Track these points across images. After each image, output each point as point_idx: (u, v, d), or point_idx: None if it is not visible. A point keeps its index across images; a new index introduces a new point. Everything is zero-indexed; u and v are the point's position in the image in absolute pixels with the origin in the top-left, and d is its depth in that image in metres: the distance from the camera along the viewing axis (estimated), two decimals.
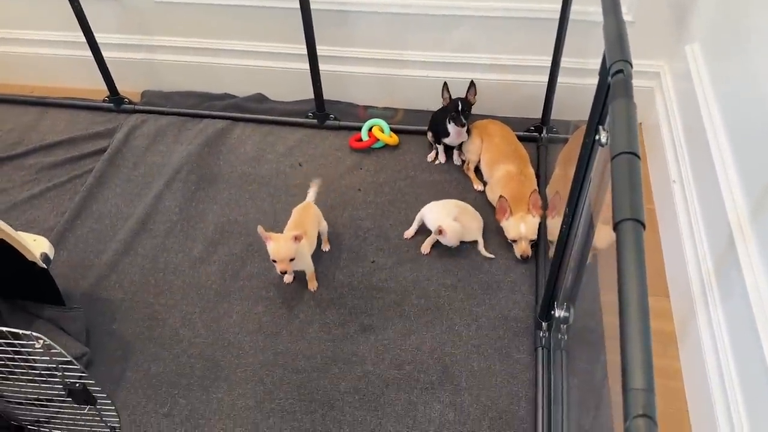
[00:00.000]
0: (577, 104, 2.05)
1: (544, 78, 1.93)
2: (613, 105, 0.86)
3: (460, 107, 1.85)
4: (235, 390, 1.52)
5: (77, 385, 1.24)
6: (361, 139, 2.11)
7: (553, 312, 1.47)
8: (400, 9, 1.99)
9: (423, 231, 1.83)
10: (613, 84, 0.89)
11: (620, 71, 0.90)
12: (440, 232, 1.72)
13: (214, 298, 1.70)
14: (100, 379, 1.51)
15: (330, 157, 2.10)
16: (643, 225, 0.72)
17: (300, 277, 1.75)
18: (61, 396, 1.31)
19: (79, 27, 2.03)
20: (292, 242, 1.57)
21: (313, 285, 1.72)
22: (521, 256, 1.73)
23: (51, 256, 1.52)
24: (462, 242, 1.79)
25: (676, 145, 1.72)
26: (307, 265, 1.69)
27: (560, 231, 1.30)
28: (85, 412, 1.35)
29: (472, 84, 1.88)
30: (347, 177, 2.03)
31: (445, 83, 1.89)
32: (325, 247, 1.81)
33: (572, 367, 1.51)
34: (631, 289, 0.66)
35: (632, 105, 0.85)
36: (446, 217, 1.75)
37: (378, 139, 2.10)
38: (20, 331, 1.12)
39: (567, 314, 1.42)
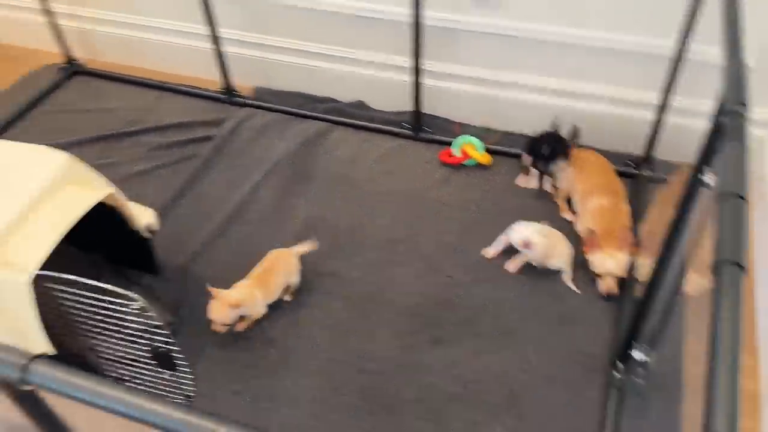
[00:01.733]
0: (683, 145, 1.98)
1: (651, 114, 1.88)
2: (725, 147, 0.84)
3: (549, 153, 1.86)
4: (303, 381, 1.57)
5: (162, 349, 1.34)
6: (452, 155, 2.13)
7: (631, 353, 1.43)
8: (511, 32, 2.00)
9: (507, 252, 1.82)
10: (727, 126, 0.87)
11: (735, 113, 0.88)
12: (526, 245, 1.70)
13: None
14: (182, 350, 1.60)
15: (419, 169, 2.13)
16: (745, 270, 0.70)
17: (379, 281, 1.79)
18: (145, 358, 1.41)
19: (205, 21, 2.17)
20: (229, 309, 1.56)
21: (241, 326, 1.66)
22: (606, 292, 1.69)
23: (155, 228, 1.64)
24: (546, 269, 1.77)
25: None
26: (255, 312, 1.66)
27: (652, 271, 1.27)
28: (166, 377, 1.45)
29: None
30: (434, 190, 2.05)
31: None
32: (287, 297, 1.74)
33: (644, 413, 1.45)
34: (723, 335, 0.65)
35: (745, 148, 0.83)
36: (535, 233, 1.73)
37: (470, 157, 2.11)
38: (121, 291, 1.22)
39: (647, 358, 1.38)
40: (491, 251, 1.83)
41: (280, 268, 1.70)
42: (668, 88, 1.75)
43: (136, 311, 1.24)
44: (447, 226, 1.94)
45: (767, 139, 1.89)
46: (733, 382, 0.61)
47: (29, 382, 0.62)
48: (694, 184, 1.09)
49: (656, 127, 1.87)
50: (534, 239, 1.71)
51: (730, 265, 0.70)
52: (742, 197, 0.76)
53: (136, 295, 1.21)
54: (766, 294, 1.62)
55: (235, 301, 1.57)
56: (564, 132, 1.93)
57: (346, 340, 1.65)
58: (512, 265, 1.78)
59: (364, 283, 1.78)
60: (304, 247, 1.79)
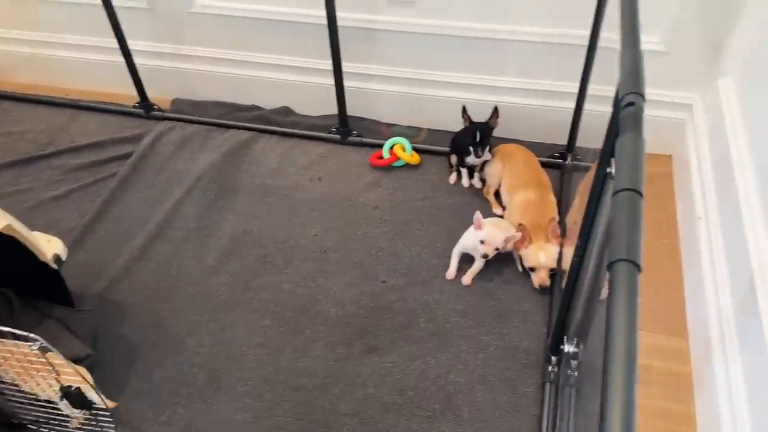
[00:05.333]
0: (602, 132, 2.00)
1: (572, 104, 1.89)
2: (620, 139, 0.82)
3: (478, 137, 1.83)
4: (235, 403, 1.51)
5: (72, 388, 1.25)
6: (382, 157, 2.10)
7: (562, 347, 1.42)
8: (428, 29, 1.98)
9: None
10: (623, 117, 0.86)
11: (631, 104, 0.86)
12: (482, 242, 1.68)
13: (222, 308, 1.70)
14: (103, 382, 1.51)
15: (349, 173, 2.09)
16: (639, 268, 0.68)
17: (312, 293, 1.74)
18: (56, 399, 1.32)
19: (112, 33, 2.07)
20: None
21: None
22: (540, 285, 1.68)
23: (63, 257, 1.54)
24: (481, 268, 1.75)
25: (704, 181, 1.66)
26: None
27: (571, 263, 1.26)
28: (81, 415, 1.36)
29: (495, 110, 1.86)
30: (365, 194, 2.01)
31: (464, 107, 1.87)
32: None
33: (581, 405, 1.45)
34: (618, 337, 0.63)
35: (640, 140, 0.81)
36: (486, 227, 1.71)
37: (399, 158, 2.08)
38: (18, 332, 1.13)
39: (577, 350, 1.37)
40: (452, 272, 1.75)
41: None
42: (584, 77, 1.75)
43: (37, 351, 1.16)
44: (379, 231, 1.90)
45: (688, 122, 1.92)
46: (629, 386, 0.58)
47: None
48: (601, 176, 1.08)
49: (576, 116, 1.88)
50: (487, 232, 1.69)
51: (625, 263, 0.68)
52: (636, 191, 0.74)
53: (33, 336, 1.13)
54: (692, 279, 1.64)
55: None
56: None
57: (277, 357, 1.59)
58: (468, 279, 1.73)
59: (295, 297, 1.73)
60: None
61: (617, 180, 0.76)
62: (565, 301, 1.33)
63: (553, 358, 1.50)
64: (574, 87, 1.84)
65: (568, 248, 1.66)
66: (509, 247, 1.74)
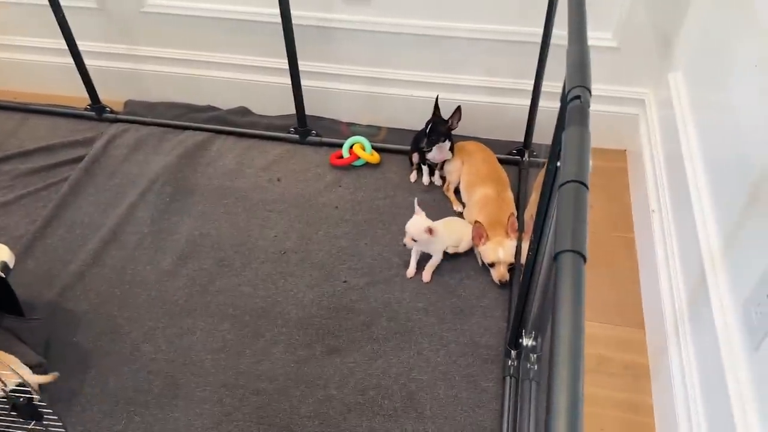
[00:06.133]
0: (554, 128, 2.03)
1: (528, 101, 1.91)
2: (566, 132, 0.83)
3: (428, 129, 1.84)
4: (193, 410, 1.48)
5: (21, 399, 1.21)
6: (341, 156, 2.09)
7: (521, 340, 1.43)
8: (386, 28, 1.97)
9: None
10: (569, 110, 0.86)
11: (577, 97, 0.87)
12: (429, 231, 1.67)
13: (179, 314, 1.67)
14: (56, 392, 1.48)
15: (309, 173, 2.07)
16: (585, 258, 0.68)
17: (271, 295, 1.71)
18: (5, 412, 1.28)
19: (61, 34, 2.02)
20: None
21: None
22: (499, 280, 1.69)
23: (11, 265, 1.49)
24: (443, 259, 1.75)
25: (657, 174, 1.69)
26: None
27: (526, 258, 1.27)
28: (32, 427, 1.32)
29: (457, 110, 1.87)
30: (325, 194, 2.00)
31: (437, 98, 1.89)
32: None
33: (541, 398, 1.46)
34: (564, 328, 0.63)
35: (586, 133, 0.82)
36: (427, 221, 1.70)
37: (359, 157, 2.07)
38: None
39: (535, 343, 1.38)
40: (411, 269, 1.75)
41: None
42: (538, 74, 1.77)
43: None
44: (340, 230, 1.89)
45: (641, 117, 1.96)
46: (575, 378, 0.58)
47: None
48: (552, 170, 1.08)
49: (531, 112, 1.90)
50: (433, 225, 1.68)
51: (570, 253, 0.68)
52: (581, 182, 0.75)
53: None
54: (647, 270, 1.67)
55: None
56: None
57: (236, 362, 1.57)
58: (427, 275, 1.73)
59: (254, 299, 1.71)
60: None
61: (562, 172, 0.77)
62: (522, 295, 1.34)
63: (513, 352, 1.51)
64: (531, 84, 1.86)
65: (527, 243, 1.67)
66: (459, 249, 1.75)
